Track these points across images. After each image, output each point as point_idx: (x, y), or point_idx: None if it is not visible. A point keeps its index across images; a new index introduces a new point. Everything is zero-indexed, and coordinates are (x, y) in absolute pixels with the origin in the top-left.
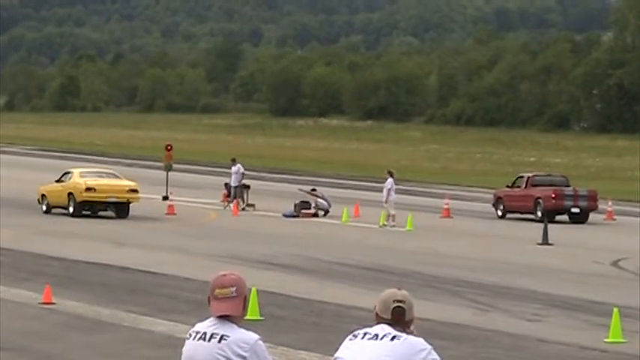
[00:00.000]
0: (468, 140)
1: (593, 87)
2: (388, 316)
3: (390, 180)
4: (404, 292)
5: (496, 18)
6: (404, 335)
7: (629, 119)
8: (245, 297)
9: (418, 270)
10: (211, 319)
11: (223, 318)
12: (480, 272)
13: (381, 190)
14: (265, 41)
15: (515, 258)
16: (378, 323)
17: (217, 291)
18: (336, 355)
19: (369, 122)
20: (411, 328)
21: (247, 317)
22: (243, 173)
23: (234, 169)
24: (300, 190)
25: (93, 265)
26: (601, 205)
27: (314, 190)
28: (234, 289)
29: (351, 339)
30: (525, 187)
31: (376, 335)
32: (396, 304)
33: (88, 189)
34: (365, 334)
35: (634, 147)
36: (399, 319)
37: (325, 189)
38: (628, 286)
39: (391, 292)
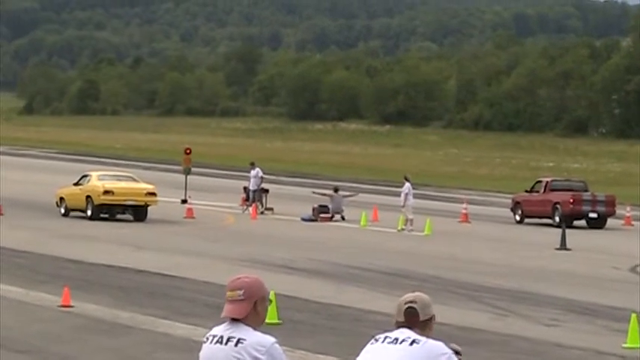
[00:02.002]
0: (487, 145)
1: (612, 92)
2: (402, 318)
3: (407, 185)
4: (418, 293)
5: (515, 23)
6: (423, 339)
7: None
8: (255, 302)
9: (436, 274)
10: (227, 322)
11: (239, 321)
12: (498, 277)
13: (399, 195)
14: (284, 45)
15: (534, 263)
16: (397, 327)
17: (228, 293)
18: (357, 359)
19: (388, 127)
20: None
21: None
22: (262, 177)
23: (252, 172)
24: (314, 192)
25: (111, 268)
26: (619, 211)
27: (336, 190)
28: (241, 292)
29: (372, 343)
30: (544, 192)
31: (396, 339)
32: (408, 306)
33: (106, 192)
34: (385, 337)
35: None
36: (413, 319)
37: (344, 193)
38: None
39: (405, 297)
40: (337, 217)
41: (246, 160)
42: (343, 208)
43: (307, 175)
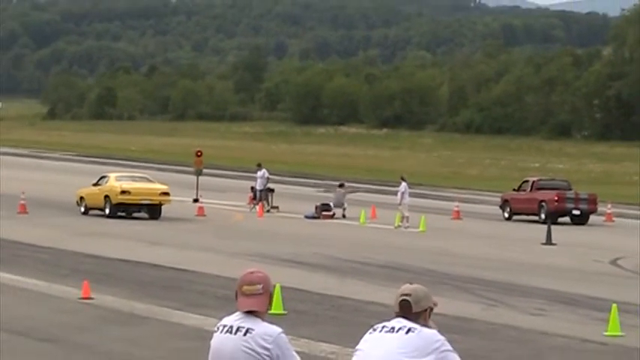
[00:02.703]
0: (477, 147)
1: (594, 98)
2: (397, 309)
3: (403, 184)
4: (415, 285)
5: (503, 33)
6: (418, 328)
7: (627, 128)
8: (270, 294)
9: (431, 268)
10: (237, 313)
11: (249, 313)
12: (488, 270)
13: (396, 194)
14: (289, 55)
15: (521, 257)
16: (395, 317)
17: (245, 287)
18: (357, 347)
19: (385, 130)
20: (429, 319)
21: (271, 311)
22: (268, 177)
23: (259, 173)
24: (319, 190)
25: (128, 263)
26: (601, 208)
27: (342, 185)
28: (260, 286)
29: (370, 332)
30: (530, 190)
31: (392, 328)
32: (402, 298)
33: (123, 192)
34: (383, 327)
35: (632, 154)
36: (407, 311)
37: (347, 189)
38: (626, 284)
39: (402, 287)
40: (339, 213)
41: (254, 162)
42: (345, 202)
43: (310, 176)
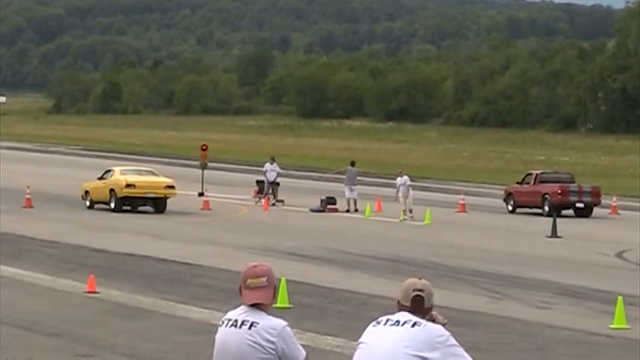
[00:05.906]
0: (482, 140)
1: (599, 91)
2: (408, 303)
3: (398, 179)
4: (424, 281)
5: (508, 26)
6: (424, 322)
7: (631, 121)
8: (274, 286)
9: (436, 261)
10: (242, 307)
11: (254, 306)
12: (493, 263)
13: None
14: (294, 48)
15: (527, 250)
16: (399, 310)
17: (249, 281)
18: (360, 340)
19: (390, 124)
20: (434, 314)
21: (277, 305)
22: (279, 172)
23: (271, 166)
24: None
25: (133, 257)
26: (606, 201)
27: (353, 164)
28: (265, 278)
29: (374, 325)
30: (534, 183)
31: (397, 322)
32: (416, 293)
33: (128, 185)
34: (387, 320)
35: (636, 146)
36: (418, 307)
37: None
38: (631, 276)
39: (412, 282)
40: (349, 199)
41: (259, 156)
42: (355, 188)
43: (315, 169)
